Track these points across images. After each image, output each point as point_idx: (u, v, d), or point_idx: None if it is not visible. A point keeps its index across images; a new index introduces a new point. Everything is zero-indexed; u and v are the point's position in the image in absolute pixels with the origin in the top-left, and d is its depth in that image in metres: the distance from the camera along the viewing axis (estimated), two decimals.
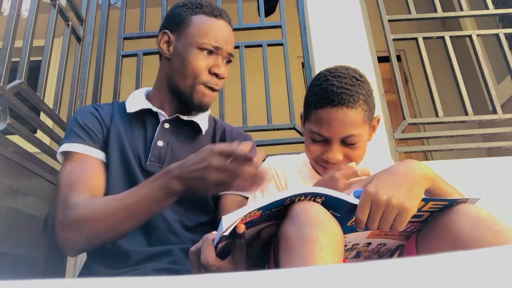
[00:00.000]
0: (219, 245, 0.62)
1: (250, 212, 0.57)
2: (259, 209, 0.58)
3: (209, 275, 0.26)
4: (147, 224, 0.86)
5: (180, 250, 0.88)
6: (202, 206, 0.97)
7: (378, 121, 0.93)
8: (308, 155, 0.93)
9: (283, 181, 0.98)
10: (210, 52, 0.95)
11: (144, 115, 0.99)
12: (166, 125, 0.98)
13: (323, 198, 0.61)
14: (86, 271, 0.88)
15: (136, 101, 1.00)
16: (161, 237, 0.88)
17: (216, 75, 0.95)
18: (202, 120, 1.02)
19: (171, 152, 0.96)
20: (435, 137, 1.57)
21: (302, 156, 1.03)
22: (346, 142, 0.85)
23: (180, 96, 0.97)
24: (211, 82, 0.95)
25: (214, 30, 0.95)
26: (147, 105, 0.98)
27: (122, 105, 1.02)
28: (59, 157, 0.91)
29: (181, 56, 0.95)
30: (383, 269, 0.23)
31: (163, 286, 0.26)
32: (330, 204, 0.62)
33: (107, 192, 0.89)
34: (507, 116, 1.55)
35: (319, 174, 0.96)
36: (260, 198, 0.93)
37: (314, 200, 0.61)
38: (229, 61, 1.00)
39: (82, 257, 1.21)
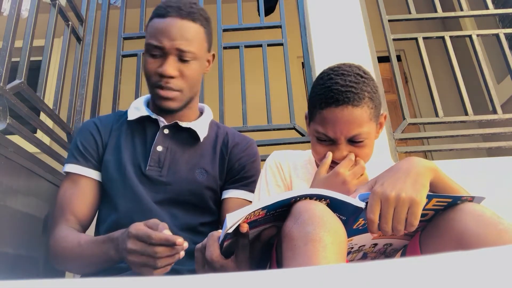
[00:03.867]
0: (224, 243, 0.62)
1: (254, 211, 0.57)
2: (263, 208, 0.58)
3: (210, 275, 0.26)
4: None
5: None
6: (202, 208, 0.98)
7: (385, 118, 0.91)
8: (314, 156, 0.91)
9: (287, 175, 0.97)
10: (157, 55, 0.93)
11: (145, 122, 1.01)
12: (166, 131, 0.99)
13: (328, 200, 0.61)
14: None
15: (136, 109, 1.03)
16: None
17: (161, 75, 0.92)
18: (200, 126, 1.03)
19: (170, 157, 0.97)
20: (435, 137, 1.57)
21: (308, 154, 1.02)
22: (353, 141, 0.83)
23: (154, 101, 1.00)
24: (161, 83, 0.93)
25: (157, 31, 0.92)
26: (146, 112, 1.01)
27: (125, 114, 1.06)
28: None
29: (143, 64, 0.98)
30: (386, 269, 0.23)
31: (163, 286, 0.26)
32: (335, 206, 0.62)
33: (107, 203, 0.95)
34: (507, 116, 1.55)
35: None
36: (265, 198, 0.93)
37: None
38: (184, 60, 0.93)
39: None
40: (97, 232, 0.98)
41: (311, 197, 0.60)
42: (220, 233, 0.63)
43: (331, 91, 0.81)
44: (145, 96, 1.10)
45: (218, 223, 1.01)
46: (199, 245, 0.68)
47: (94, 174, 0.97)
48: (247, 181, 1.03)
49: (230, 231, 0.59)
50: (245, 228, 0.59)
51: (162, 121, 0.99)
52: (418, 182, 0.65)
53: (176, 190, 0.94)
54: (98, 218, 0.99)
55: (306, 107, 0.92)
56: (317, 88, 0.86)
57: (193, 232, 0.94)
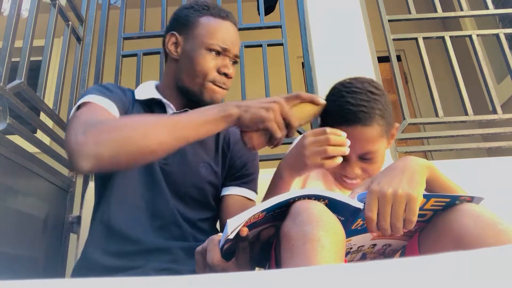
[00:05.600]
0: (224, 247, 0.62)
1: (254, 215, 0.58)
2: (262, 211, 0.58)
3: (210, 275, 0.26)
4: (153, 210, 0.89)
5: (180, 248, 0.89)
6: (203, 203, 0.98)
7: (396, 129, 0.92)
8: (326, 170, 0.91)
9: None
10: (218, 53, 0.96)
11: (153, 105, 0.99)
12: None
13: (326, 201, 0.61)
14: (84, 260, 0.89)
15: (146, 90, 1.01)
16: (164, 227, 0.90)
17: (226, 74, 0.96)
18: None
19: None
20: (435, 137, 1.57)
21: None
22: (363, 158, 0.85)
23: (190, 96, 0.97)
24: (220, 81, 0.96)
25: (222, 32, 0.96)
26: (157, 95, 0.99)
27: (129, 91, 1.02)
28: (72, 113, 0.80)
29: (189, 56, 0.95)
30: (385, 269, 0.23)
31: (163, 286, 0.26)
32: (334, 207, 0.62)
33: (123, 184, 0.90)
34: (507, 116, 1.55)
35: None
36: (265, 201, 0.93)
37: None
38: (235, 62, 1.01)
39: None
40: (93, 221, 0.93)
41: (309, 197, 0.60)
42: (219, 236, 0.64)
43: (342, 110, 0.82)
44: (153, 81, 1.08)
45: (216, 219, 1.02)
46: (199, 248, 0.68)
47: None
48: (248, 178, 1.03)
49: (231, 237, 0.59)
50: (245, 232, 0.59)
51: (172, 108, 0.97)
52: (414, 179, 0.66)
53: (179, 181, 0.94)
54: (97, 205, 0.94)
55: None
56: (328, 105, 0.86)
57: (192, 226, 0.94)
